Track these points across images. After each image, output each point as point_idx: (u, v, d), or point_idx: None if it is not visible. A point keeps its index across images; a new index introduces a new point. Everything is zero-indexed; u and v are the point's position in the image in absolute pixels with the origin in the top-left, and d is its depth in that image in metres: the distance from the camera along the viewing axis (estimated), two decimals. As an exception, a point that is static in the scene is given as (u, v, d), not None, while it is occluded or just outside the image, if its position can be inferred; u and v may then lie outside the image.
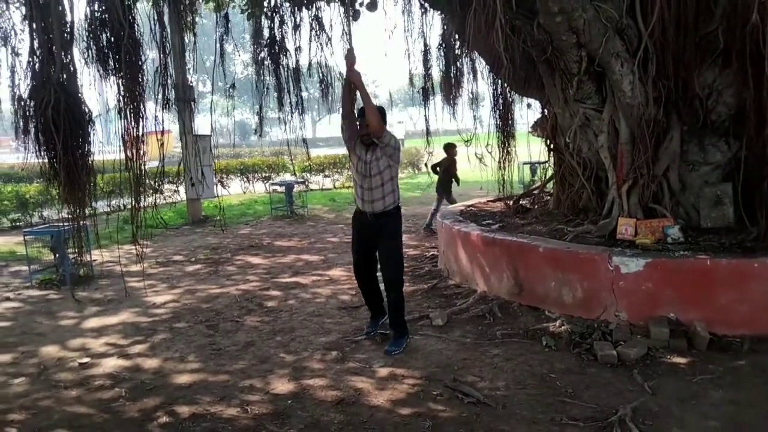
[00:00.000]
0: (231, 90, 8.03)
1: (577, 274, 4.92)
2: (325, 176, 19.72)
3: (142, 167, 3.60)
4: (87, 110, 3.74)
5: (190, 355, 4.79)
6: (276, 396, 3.96)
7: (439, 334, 4.98)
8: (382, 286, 4.87)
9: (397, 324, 4.72)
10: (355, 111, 4.71)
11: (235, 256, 8.90)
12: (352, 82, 4.57)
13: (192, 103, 7.65)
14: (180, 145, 11.37)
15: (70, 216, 3.81)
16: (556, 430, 3.34)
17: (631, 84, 5.23)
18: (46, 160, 3.71)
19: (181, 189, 14.15)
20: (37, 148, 3.62)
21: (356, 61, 4.61)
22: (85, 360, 4.80)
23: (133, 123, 3.47)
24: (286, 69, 7.49)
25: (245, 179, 18.93)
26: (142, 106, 3.52)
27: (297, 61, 7.65)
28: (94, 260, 7.15)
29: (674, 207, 5.51)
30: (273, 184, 15.12)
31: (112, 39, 3.33)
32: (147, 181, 3.64)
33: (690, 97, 5.47)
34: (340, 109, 4.77)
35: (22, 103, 4.95)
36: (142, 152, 3.53)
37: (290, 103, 7.35)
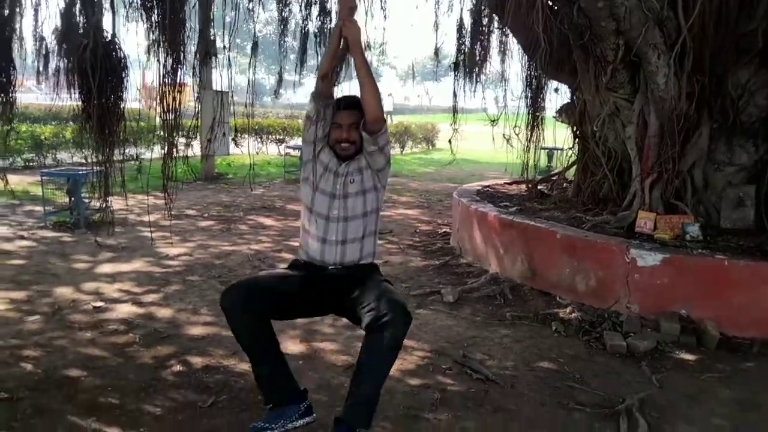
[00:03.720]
0: (254, 50, 7.94)
1: (593, 263, 4.93)
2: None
3: (177, 118, 3.61)
4: (122, 56, 3.73)
5: (203, 308, 4.84)
6: (287, 355, 3.98)
7: (450, 310, 5.02)
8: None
9: (376, 397, 2.70)
10: (333, 88, 3.11)
11: (247, 216, 8.94)
12: (346, 39, 2.88)
13: (214, 57, 7.60)
14: (196, 100, 11.32)
15: (97, 160, 3.82)
16: (563, 414, 3.38)
17: (665, 77, 5.17)
18: (79, 104, 3.71)
19: (195, 144, 14.12)
20: (70, 91, 3.63)
21: (356, 9, 3.05)
22: (99, 304, 4.86)
23: (171, 74, 3.48)
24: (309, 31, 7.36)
25: (259, 139, 18.89)
26: (182, 57, 3.52)
27: (322, 22, 7.52)
28: (109, 207, 7.22)
29: (695, 205, 5.50)
30: (288, 147, 15.08)
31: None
32: (179, 132, 3.64)
33: (723, 95, 5.42)
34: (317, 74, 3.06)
35: (45, 43, 4.93)
36: (178, 103, 3.53)
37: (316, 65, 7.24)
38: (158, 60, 3.41)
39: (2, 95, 3.78)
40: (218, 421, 3.15)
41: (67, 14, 4.11)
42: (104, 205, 3.90)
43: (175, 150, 3.56)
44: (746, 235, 5.19)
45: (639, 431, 3.15)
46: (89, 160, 4.13)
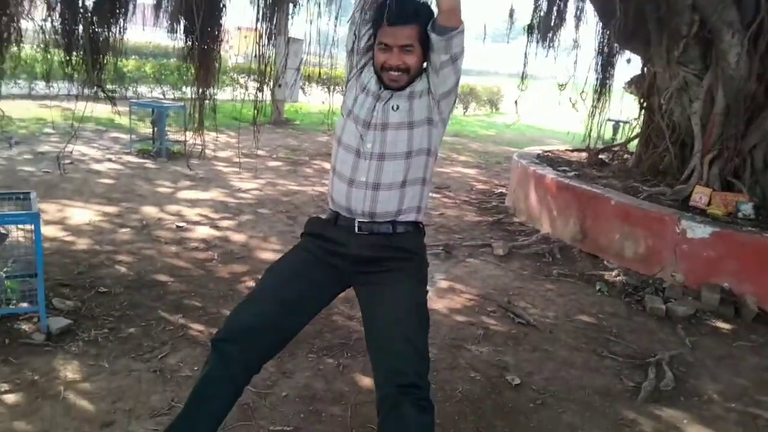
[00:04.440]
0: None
1: (644, 230, 5.11)
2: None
3: (270, 64, 3.95)
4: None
5: (272, 237, 5.30)
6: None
7: (499, 262, 5.32)
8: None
9: None
10: None
11: (312, 160, 9.38)
12: None
13: (291, 4, 7.90)
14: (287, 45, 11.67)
15: (194, 97, 4.23)
16: (596, 360, 3.68)
17: (737, 56, 5.20)
18: (180, 43, 4.12)
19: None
20: (176, 30, 4.03)
21: None
22: (182, 224, 5.38)
23: (267, 18, 3.81)
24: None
25: (325, 89, 19.25)
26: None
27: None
28: (187, 141, 7.81)
29: (752, 185, 5.56)
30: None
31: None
32: (267, 77, 3.99)
33: (794, 79, 5.42)
34: None
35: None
36: (270, 47, 3.88)
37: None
38: (257, 4, 3.74)
39: (114, 29, 4.20)
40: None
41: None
42: (198, 139, 4.33)
43: (262, 94, 3.92)
44: (800, 218, 5.26)
45: (665, 381, 3.42)
46: (167, 96, 4.52)
